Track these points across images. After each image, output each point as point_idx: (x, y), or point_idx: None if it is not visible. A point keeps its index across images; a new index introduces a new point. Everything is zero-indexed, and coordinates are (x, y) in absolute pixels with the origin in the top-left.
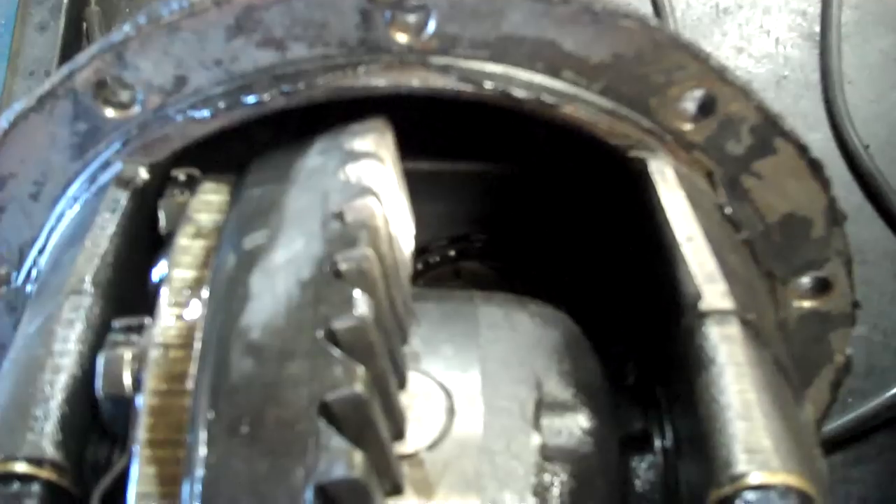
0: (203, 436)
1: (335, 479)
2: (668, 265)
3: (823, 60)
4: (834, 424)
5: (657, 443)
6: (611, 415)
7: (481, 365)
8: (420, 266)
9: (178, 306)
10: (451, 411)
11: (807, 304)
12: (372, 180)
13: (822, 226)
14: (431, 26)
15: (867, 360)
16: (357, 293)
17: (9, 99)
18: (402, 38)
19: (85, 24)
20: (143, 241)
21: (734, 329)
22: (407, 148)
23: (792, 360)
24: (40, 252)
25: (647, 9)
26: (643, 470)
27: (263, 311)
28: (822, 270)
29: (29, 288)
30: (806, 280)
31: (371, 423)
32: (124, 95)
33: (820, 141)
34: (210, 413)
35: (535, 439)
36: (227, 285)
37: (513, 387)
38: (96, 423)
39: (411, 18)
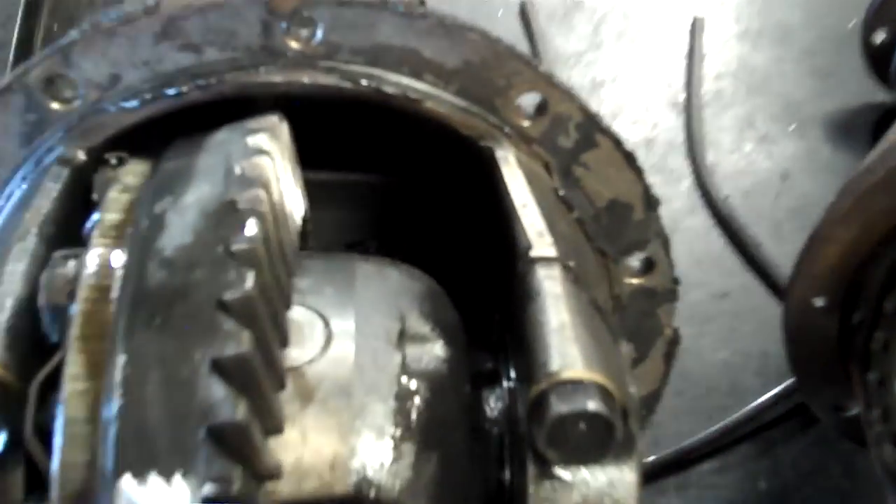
0: (123, 328)
1: (227, 356)
2: (507, 229)
3: (687, 124)
4: (701, 436)
5: (504, 382)
6: (464, 353)
7: (355, 302)
8: None
9: (107, 238)
10: (328, 336)
11: (635, 281)
12: (268, 146)
13: (641, 210)
14: (319, 36)
15: (730, 380)
16: (251, 221)
17: None
18: (295, 45)
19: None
20: (79, 213)
21: (556, 271)
22: (303, 159)
23: (623, 324)
24: None
25: None
26: (493, 400)
27: (175, 236)
28: (645, 251)
29: None
30: (633, 259)
31: (258, 318)
32: (68, 91)
33: (686, 190)
34: (130, 311)
35: (398, 357)
36: (147, 221)
37: (381, 319)
38: (38, 341)
39: (303, 29)
